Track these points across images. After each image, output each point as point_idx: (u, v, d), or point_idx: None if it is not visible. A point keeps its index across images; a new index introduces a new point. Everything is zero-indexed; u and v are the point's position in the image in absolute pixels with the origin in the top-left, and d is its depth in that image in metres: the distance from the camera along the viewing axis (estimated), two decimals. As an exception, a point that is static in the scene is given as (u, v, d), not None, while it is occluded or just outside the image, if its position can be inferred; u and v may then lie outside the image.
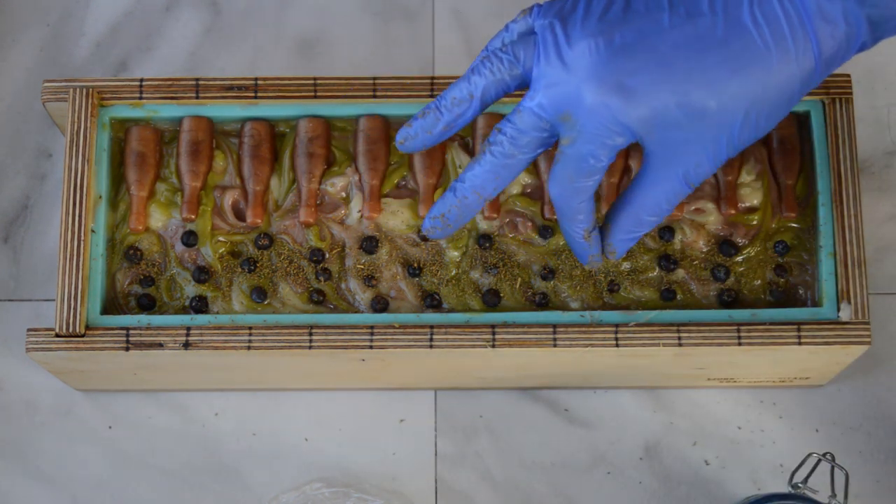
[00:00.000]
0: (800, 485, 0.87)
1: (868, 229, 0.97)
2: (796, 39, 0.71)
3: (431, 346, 0.85)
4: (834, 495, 0.86)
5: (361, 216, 0.89)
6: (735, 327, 0.85)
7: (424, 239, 0.87)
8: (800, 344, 0.85)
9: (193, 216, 0.88)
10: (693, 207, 0.89)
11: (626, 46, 0.71)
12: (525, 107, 0.73)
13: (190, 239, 0.88)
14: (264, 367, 0.89)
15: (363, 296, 0.88)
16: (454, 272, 0.88)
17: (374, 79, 0.89)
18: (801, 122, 0.90)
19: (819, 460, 0.87)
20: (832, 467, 0.86)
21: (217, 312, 0.87)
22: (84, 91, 0.88)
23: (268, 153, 0.89)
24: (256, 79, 0.89)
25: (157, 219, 0.89)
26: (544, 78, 0.72)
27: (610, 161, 0.74)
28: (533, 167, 0.89)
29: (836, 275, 0.86)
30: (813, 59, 0.71)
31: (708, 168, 0.74)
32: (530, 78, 0.74)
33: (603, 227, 0.79)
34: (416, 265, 0.88)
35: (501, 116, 0.89)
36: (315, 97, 0.89)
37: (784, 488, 0.92)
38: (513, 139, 0.74)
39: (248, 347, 0.85)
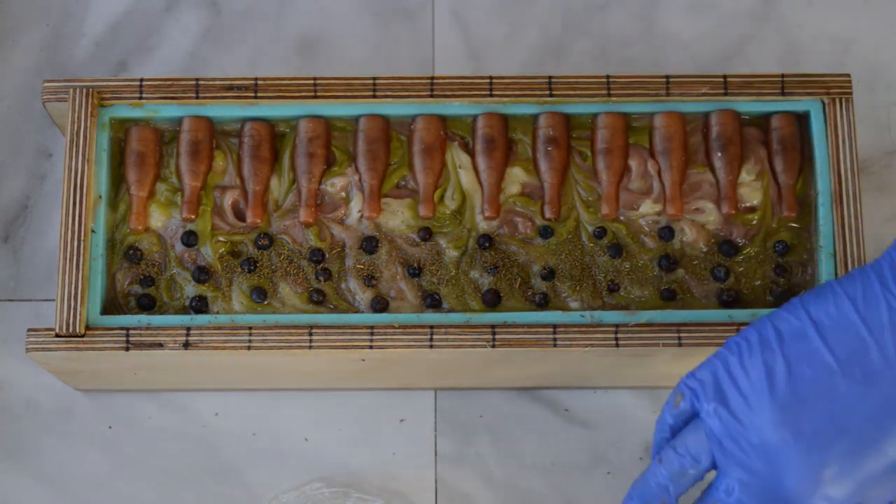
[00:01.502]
0: None
1: (868, 229, 0.97)
2: None
3: (431, 346, 0.85)
4: None
5: (361, 216, 0.89)
6: (735, 327, 0.85)
7: None
8: (800, 344, 0.85)
9: (193, 216, 0.88)
10: (693, 207, 0.89)
11: (816, 432, 0.70)
12: (721, 493, 0.74)
13: (190, 239, 0.88)
14: (264, 367, 0.89)
15: (363, 296, 0.88)
16: (454, 272, 0.88)
17: (374, 79, 0.89)
18: (801, 122, 0.90)
19: None
20: None
21: (217, 312, 0.87)
22: (84, 91, 0.88)
23: (268, 153, 0.89)
24: (256, 79, 0.89)
25: (157, 219, 0.89)
26: (735, 468, 0.72)
27: None
28: (533, 167, 0.89)
29: (836, 275, 0.86)
30: None
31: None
32: (716, 465, 0.74)
33: None
34: (416, 265, 0.88)
35: (500, 116, 0.89)
36: (315, 97, 0.89)
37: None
38: (685, 469, 0.75)
39: (248, 347, 0.85)
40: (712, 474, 0.77)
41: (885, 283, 0.70)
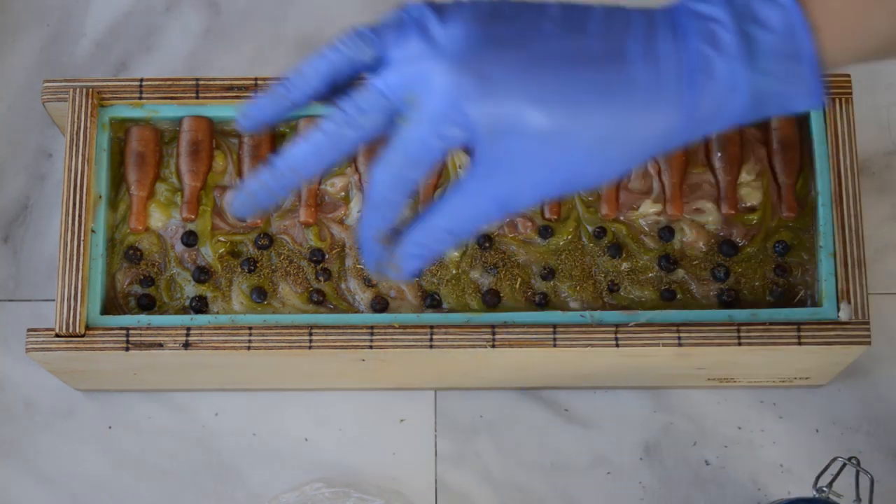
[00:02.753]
0: (824, 489, 0.87)
1: (868, 229, 0.97)
2: (672, 85, 0.65)
3: (431, 346, 0.85)
4: (859, 499, 0.86)
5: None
6: (735, 327, 0.85)
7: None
8: (800, 344, 0.85)
9: (193, 216, 0.88)
10: (693, 207, 0.89)
11: (499, 37, 0.66)
12: (372, 83, 0.67)
13: (190, 239, 0.88)
14: (264, 367, 0.89)
15: (363, 296, 0.88)
16: (454, 272, 0.88)
17: (374, 79, 0.89)
18: (801, 122, 0.90)
19: (844, 464, 0.86)
20: (857, 471, 0.86)
21: (217, 312, 0.87)
22: (84, 91, 0.88)
23: (268, 153, 0.89)
24: (256, 79, 0.89)
25: (157, 219, 0.89)
26: (402, 55, 0.67)
27: (439, 154, 0.66)
28: (533, 167, 0.89)
29: (836, 275, 0.86)
30: (686, 110, 0.65)
31: (535, 198, 0.67)
32: (385, 58, 0.68)
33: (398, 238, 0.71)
34: (416, 265, 0.88)
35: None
36: (315, 97, 0.89)
37: (785, 489, 0.93)
38: (349, 117, 0.68)
39: (248, 347, 0.85)
40: None
41: None
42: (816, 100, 0.66)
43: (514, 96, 0.65)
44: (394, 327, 0.85)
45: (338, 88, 0.70)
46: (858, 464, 0.86)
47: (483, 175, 0.67)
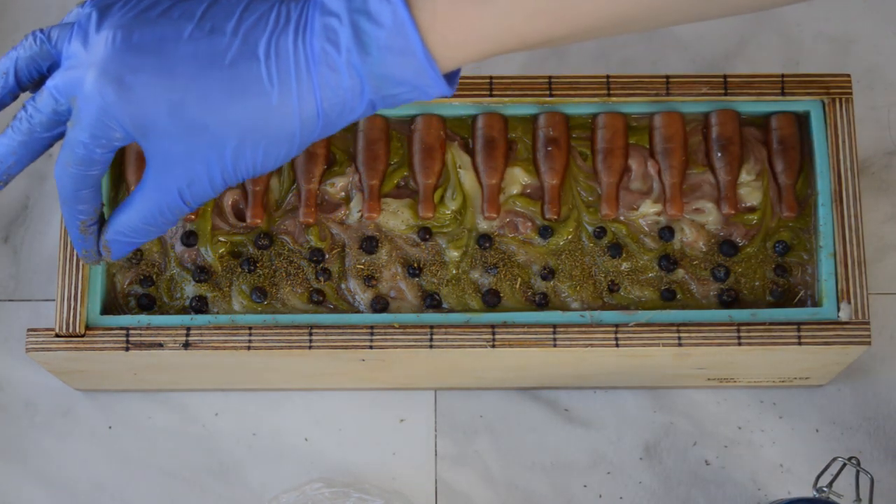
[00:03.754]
0: (825, 489, 0.87)
1: (868, 229, 0.97)
2: (300, 81, 0.69)
3: (431, 346, 0.85)
4: (859, 499, 0.86)
5: (361, 216, 0.89)
6: (735, 327, 0.85)
7: None
8: (800, 344, 0.85)
9: (193, 216, 0.88)
10: (693, 207, 0.89)
11: (140, 45, 0.70)
12: (47, 86, 0.72)
13: (190, 239, 0.88)
14: (264, 367, 0.89)
15: (363, 296, 0.88)
16: (454, 272, 0.88)
17: (374, 79, 0.89)
18: (801, 122, 0.90)
19: (844, 464, 0.86)
20: (857, 471, 0.86)
21: (217, 312, 0.87)
22: (84, 91, 0.88)
23: (268, 153, 0.89)
24: (256, 79, 0.89)
25: (157, 219, 0.89)
26: (67, 60, 0.71)
27: (109, 153, 0.72)
28: (533, 167, 0.89)
29: (836, 275, 0.86)
30: (315, 104, 0.69)
31: (204, 189, 0.72)
32: (59, 60, 0.73)
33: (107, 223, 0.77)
34: (416, 265, 0.88)
35: (500, 116, 0.89)
36: (315, 97, 0.89)
37: (785, 489, 0.92)
38: (31, 117, 0.73)
39: (248, 347, 0.85)
40: None
41: None
42: (440, 88, 0.69)
43: (153, 101, 0.69)
44: (394, 327, 0.85)
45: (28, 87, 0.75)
46: (858, 464, 0.86)
47: (158, 170, 0.71)
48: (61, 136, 0.73)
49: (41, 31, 0.73)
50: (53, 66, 0.73)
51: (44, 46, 0.73)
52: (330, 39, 0.68)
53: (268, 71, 0.69)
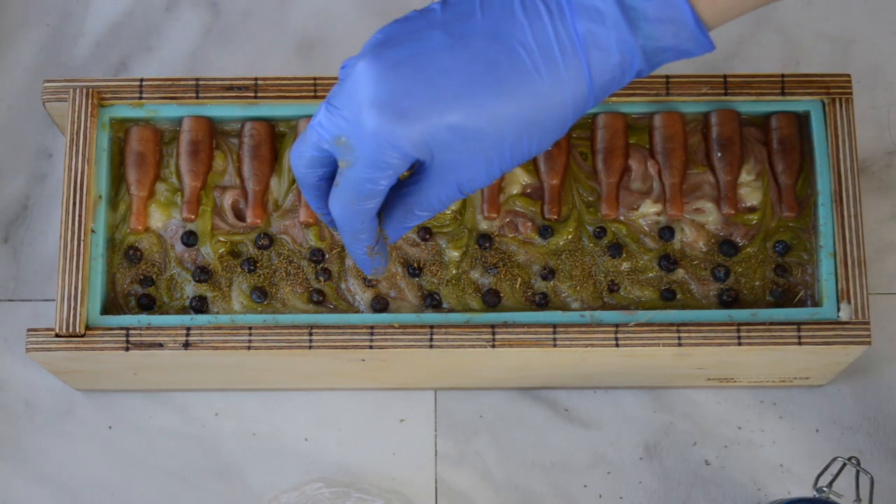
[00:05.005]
0: (825, 489, 0.87)
1: (868, 229, 0.97)
2: (568, 65, 0.69)
3: (431, 346, 0.85)
4: (859, 499, 0.86)
5: (361, 216, 0.89)
6: (735, 327, 0.85)
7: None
8: (800, 344, 0.85)
9: (193, 216, 0.88)
10: (693, 207, 0.89)
11: (397, 66, 0.70)
12: (310, 125, 0.73)
13: (190, 239, 0.88)
14: (264, 367, 0.89)
15: (363, 296, 0.88)
16: (454, 272, 0.88)
17: (374, 79, 0.89)
18: (801, 122, 0.90)
19: (844, 464, 0.86)
20: (857, 471, 0.86)
21: (217, 312, 0.87)
22: (84, 91, 0.88)
23: (268, 153, 0.89)
24: (256, 79, 0.89)
25: (157, 219, 0.89)
26: (333, 98, 0.71)
27: (390, 183, 0.72)
28: (533, 167, 0.89)
29: (836, 275, 0.86)
30: (586, 84, 0.70)
31: (481, 182, 0.73)
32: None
33: (379, 213, 0.77)
34: (416, 265, 0.88)
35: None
36: (315, 97, 0.89)
37: (785, 489, 0.92)
38: (301, 155, 0.74)
39: (248, 347, 0.85)
40: None
41: None
42: (706, 47, 0.70)
43: (430, 121, 0.69)
44: (394, 327, 0.85)
45: None
46: (858, 464, 0.86)
47: (438, 174, 0.72)
48: (328, 175, 0.74)
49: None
50: None
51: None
52: (594, 19, 0.68)
53: (533, 62, 0.69)
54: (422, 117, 0.69)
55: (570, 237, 0.89)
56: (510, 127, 0.70)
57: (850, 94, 0.88)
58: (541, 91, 0.69)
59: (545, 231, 0.88)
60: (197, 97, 0.89)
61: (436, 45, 0.70)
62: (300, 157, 0.74)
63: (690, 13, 0.68)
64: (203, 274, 0.88)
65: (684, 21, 0.68)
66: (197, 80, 0.89)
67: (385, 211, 0.75)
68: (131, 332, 0.85)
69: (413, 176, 0.74)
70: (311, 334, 0.85)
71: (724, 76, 0.89)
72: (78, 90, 0.88)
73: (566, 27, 0.69)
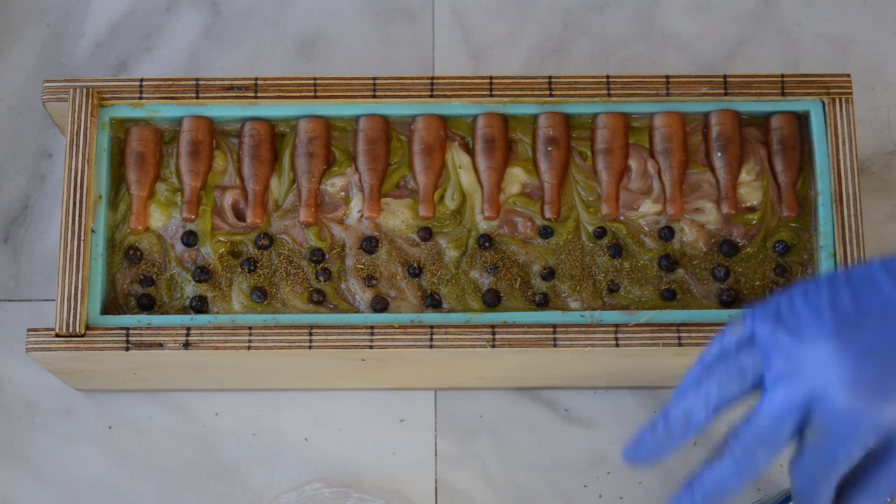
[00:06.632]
0: None
1: (868, 229, 0.97)
2: None
3: (431, 346, 0.85)
4: None
5: (361, 216, 0.89)
6: (735, 327, 0.85)
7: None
8: (800, 344, 0.85)
9: (193, 216, 0.88)
10: (693, 207, 0.89)
11: (870, 351, 0.69)
12: (764, 414, 0.71)
13: (190, 239, 0.88)
14: (264, 367, 0.89)
15: (363, 296, 0.88)
16: (454, 272, 0.88)
17: (374, 79, 0.89)
18: (801, 122, 0.90)
19: None
20: None
21: (217, 312, 0.87)
22: (84, 91, 0.88)
23: (268, 153, 0.89)
24: (256, 79, 0.89)
25: (157, 219, 0.89)
26: (782, 384, 0.70)
27: (861, 454, 0.71)
28: (533, 167, 0.89)
29: (836, 275, 0.86)
30: None
31: None
32: (762, 386, 0.72)
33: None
34: (416, 265, 0.88)
35: (500, 116, 0.89)
36: (315, 97, 0.89)
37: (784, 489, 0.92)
38: (748, 444, 0.72)
39: (248, 347, 0.85)
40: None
41: None
42: None
43: None
44: (394, 327, 0.85)
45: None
46: None
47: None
48: (776, 455, 0.72)
49: (725, 363, 0.72)
50: (748, 394, 0.73)
51: (743, 380, 0.72)
52: None
53: None
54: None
55: (570, 237, 0.89)
56: None
57: (850, 94, 0.88)
58: None
59: (545, 231, 0.88)
60: (197, 97, 0.89)
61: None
62: (754, 446, 0.72)
63: None
64: (203, 274, 0.88)
65: None
66: (197, 80, 0.89)
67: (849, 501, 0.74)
68: (131, 332, 0.85)
69: (876, 462, 0.72)
70: (311, 334, 0.85)
71: (724, 76, 0.89)
72: (78, 90, 0.88)
73: None
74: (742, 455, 0.72)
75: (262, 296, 0.88)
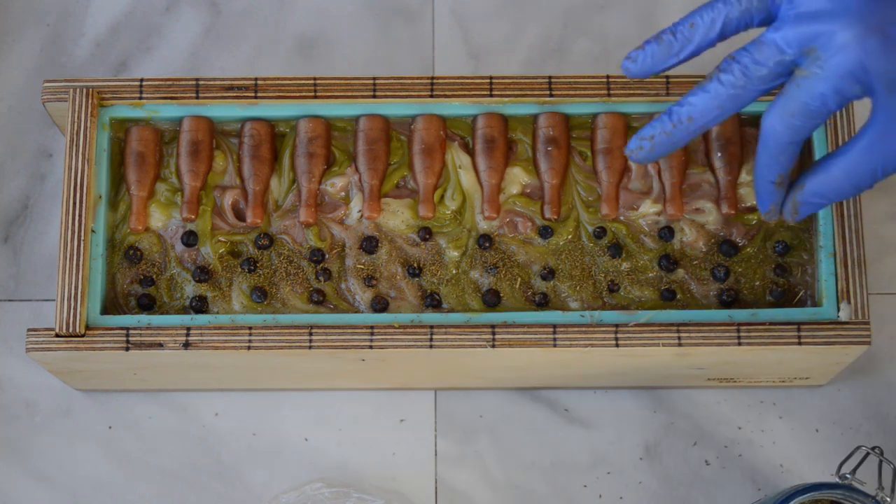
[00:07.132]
0: (847, 476, 0.87)
1: (868, 229, 0.97)
2: None
3: (431, 346, 0.85)
4: (881, 487, 0.86)
5: (361, 216, 0.89)
6: (735, 327, 0.85)
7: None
8: (800, 344, 0.85)
9: (193, 216, 0.88)
10: (693, 207, 0.89)
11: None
12: (768, 38, 0.70)
13: (190, 239, 0.88)
14: (264, 367, 0.89)
15: (363, 296, 0.88)
16: (454, 272, 0.88)
17: (374, 79, 0.89)
18: (801, 122, 0.90)
19: (867, 453, 0.86)
20: (880, 461, 0.86)
21: (217, 312, 0.87)
22: (84, 91, 0.88)
23: (268, 153, 0.89)
24: (256, 79, 0.89)
25: (157, 219, 0.89)
26: (798, 10, 0.69)
27: (836, 108, 0.70)
28: (533, 167, 0.89)
29: (836, 275, 0.86)
30: None
31: None
32: (777, 12, 0.71)
33: (793, 184, 0.75)
34: (416, 265, 0.88)
35: (500, 116, 0.89)
36: (315, 97, 0.89)
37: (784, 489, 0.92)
38: (746, 69, 0.71)
39: (248, 347, 0.85)
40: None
41: None
42: None
43: None
44: (394, 327, 0.85)
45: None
46: (882, 454, 0.86)
47: (879, 133, 0.69)
48: (774, 87, 0.71)
49: None
50: (766, 19, 0.71)
51: (762, 2, 0.71)
52: None
53: None
54: None
55: (569, 237, 0.89)
56: None
57: (850, 94, 0.88)
58: None
59: (545, 231, 0.88)
60: (197, 97, 0.89)
61: None
62: (751, 73, 0.71)
63: None
64: (203, 274, 0.88)
65: None
66: (197, 80, 0.89)
67: (805, 180, 0.73)
68: (131, 332, 0.85)
69: (848, 142, 0.71)
70: (311, 334, 0.85)
71: (724, 76, 0.89)
72: (78, 90, 0.88)
73: None
74: (729, 81, 0.72)
75: (262, 296, 0.88)
